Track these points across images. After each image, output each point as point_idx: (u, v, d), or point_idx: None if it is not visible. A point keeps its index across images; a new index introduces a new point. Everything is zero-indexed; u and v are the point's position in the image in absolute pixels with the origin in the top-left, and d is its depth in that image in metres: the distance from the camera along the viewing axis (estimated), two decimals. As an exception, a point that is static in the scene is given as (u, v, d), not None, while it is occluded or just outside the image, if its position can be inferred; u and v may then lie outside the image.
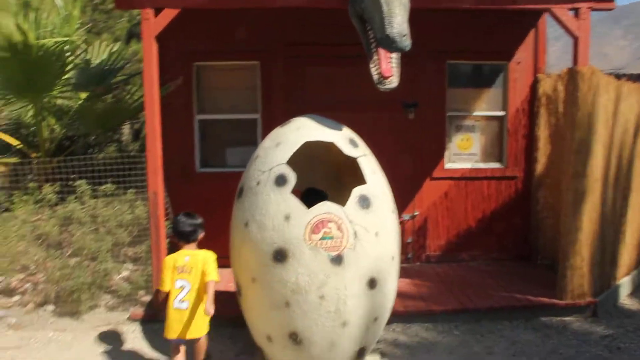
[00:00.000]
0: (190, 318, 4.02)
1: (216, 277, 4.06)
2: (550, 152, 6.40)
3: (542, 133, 6.45)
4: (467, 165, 6.66)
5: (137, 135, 9.76)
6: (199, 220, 4.32)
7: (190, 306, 4.02)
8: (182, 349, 4.10)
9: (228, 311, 5.03)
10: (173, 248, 5.65)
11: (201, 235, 4.32)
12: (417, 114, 6.49)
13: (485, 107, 6.69)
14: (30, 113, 6.90)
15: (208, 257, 4.14)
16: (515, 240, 6.70)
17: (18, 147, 6.75)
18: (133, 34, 12.10)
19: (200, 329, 4.07)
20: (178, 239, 4.26)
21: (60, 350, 4.66)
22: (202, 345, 4.16)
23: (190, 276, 4.05)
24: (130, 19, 11.68)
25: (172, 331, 4.02)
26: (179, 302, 4.01)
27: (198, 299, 4.04)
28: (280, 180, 3.85)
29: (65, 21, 6.64)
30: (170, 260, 4.15)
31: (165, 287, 4.06)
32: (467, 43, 6.50)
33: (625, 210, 5.96)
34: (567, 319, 5.20)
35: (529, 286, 5.68)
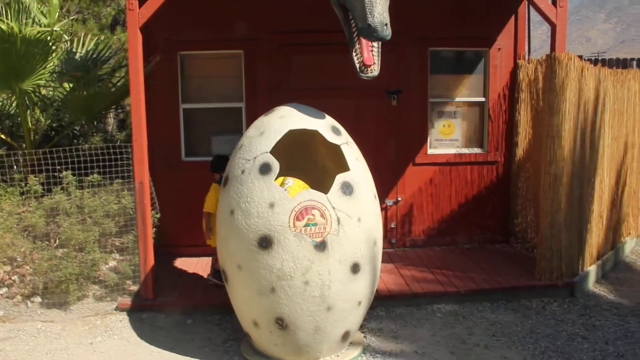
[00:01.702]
0: None
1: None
2: (531, 137, 6.53)
3: (522, 118, 6.57)
4: (449, 151, 6.77)
5: (123, 125, 9.76)
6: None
7: None
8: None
9: (216, 299, 5.15)
10: (160, 237, 5.74)
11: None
12: (400, 101, 6.58)
13: (467, 93, 6.79)
14: (15, 104, 6.88)
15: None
16: (496, 223, 6.84)
17: (2, 138, 6.74)
18: (118, 22, 12.05)
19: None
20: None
21: (49, 340, 4.71)
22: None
23: None
24: (116, 6, 11.63)
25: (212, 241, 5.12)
26: None
27: None
28: (265, 169, 3.93)
29: (47, 11, 6.62)
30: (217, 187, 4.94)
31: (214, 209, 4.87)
32: (448, 30, 6.58)
33: (603, 193, 6.11)
34: (545, 299, 5.35)
35: (509, 269, 5.83)
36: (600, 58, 9.25)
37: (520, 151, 6.61)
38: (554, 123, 5.23)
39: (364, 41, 4.21)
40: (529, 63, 6.52)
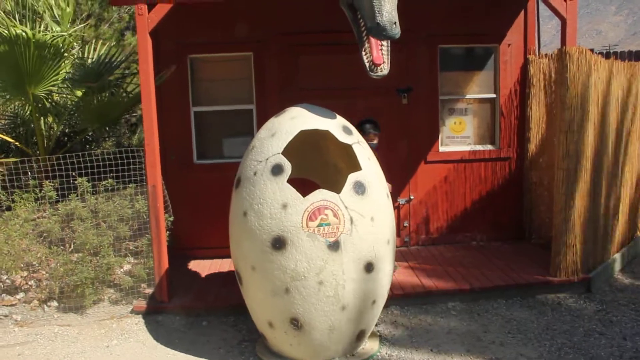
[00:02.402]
0: None
1: None
2: (544, 133, 6.49)
3: (534, 114, 6.53)
4: (460, 148, 6.74)
5: (135, 129, 9.82)
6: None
7: None
8: None
9: (230, 300, 5.16)
10: (173, 239, 5.77)
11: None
12: (410, 99, 6.56)
13: (477, 89, 6.76)
14: (29, 111, 6.95)
15: None
16: (510, 220, 6.80)
17: (16, 145, 6.81)
18: (128, 27, 12.13)
19: None
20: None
21: (66, 344, 4.75)
22: None
23: None
24: (128, 11, 11.69)
25: None
26: None
27: None
28: (277, 170, 3.94)
29: (60, 17, 6.68)
30: None
31: None
32: (458, 27, 6.55)
33: (617, 187, 6.06)
34: (561, 295, 5.32)
35: (524, 265, 5.79)
36: (612, 51, 9.17)
37: (532, 147, 6.57)
38: (566, 118, 5.20)
39: (373, 40, 4.21)
40: (539, 58, 6.48)
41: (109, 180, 5.53)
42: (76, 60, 7.15)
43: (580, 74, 5.18)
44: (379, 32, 4.05)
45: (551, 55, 6.29)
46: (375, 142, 5.34)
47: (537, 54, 6.64)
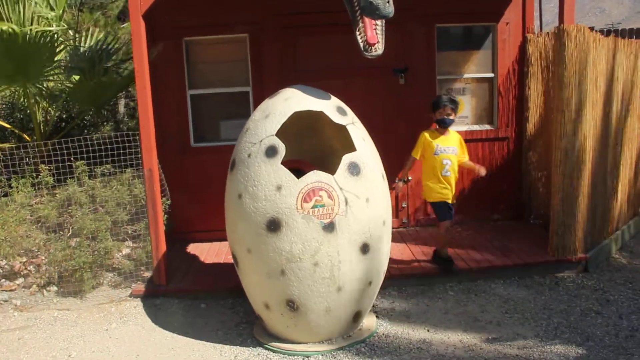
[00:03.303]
0: None
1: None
2: (542, 112, 6.44)
3: (533, 93, 6.47)
4: (459, 128, 6.68)
5: (134, 114, 9.79)
6: None
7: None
8: None
9: (228, 283, 5.18)
10: (171, 223, 5.77)
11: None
12: (407, 79, 6.51)
13: (475, 69, 6.70)
14: (22, 98, 6.93)
15: None
16: (509, 200, 6.78)
17: (13, 131, 6.80)
18: (126, 14, 12.03)
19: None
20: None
21: (65, 328, 4.78)
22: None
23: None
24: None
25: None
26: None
27: None
28: (271, 152, 3.92)
29: (55, 4, 6.62)
30: None
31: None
32: (455, 5, 6.46)
33: (617, 167, 6.03)
34: (559, 275, 5.31)
35: (522, 245, 5.79)
36: (614, 29, 9.08)
37: (530, 126, 6.53)
38: (564, 97, 5.15)
39: (367, 20, 4.16)
40: (538, 37, 6.41)
41: (107, 165, 5.52)
42: (70, 47, 7.09)
43: (579, 52, 5.12)
44: (372, 11, 4.01)
45: (547, 33, 6.21)
46: (452, 117, 5.26)
47: (537, 32, 6.57)
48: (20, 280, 5.33)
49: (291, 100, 4.13)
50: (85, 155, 5.50)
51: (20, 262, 5.36)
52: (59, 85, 7.12)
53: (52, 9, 6.68)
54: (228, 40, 6.54)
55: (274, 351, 4.17)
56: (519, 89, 6.64)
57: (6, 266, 5.35)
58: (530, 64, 6.45)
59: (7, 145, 6.27)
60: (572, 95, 5.14)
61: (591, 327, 4.32)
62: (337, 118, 4.12)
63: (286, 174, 3.87)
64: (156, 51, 5.98)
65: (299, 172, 4.06)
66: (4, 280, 5.31)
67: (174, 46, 6.31)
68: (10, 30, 5.56)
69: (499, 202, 6.79)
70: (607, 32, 7.68)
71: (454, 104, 5.29)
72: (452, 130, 5.42)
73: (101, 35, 7.54)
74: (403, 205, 6.69)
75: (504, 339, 4.23)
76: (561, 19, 5.22)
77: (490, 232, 6.39)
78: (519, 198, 6.77)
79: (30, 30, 5.72)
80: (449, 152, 5.25)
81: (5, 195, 5.52)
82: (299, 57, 6.44)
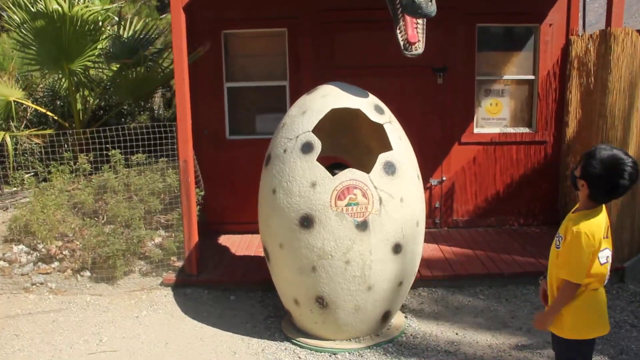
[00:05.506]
0: None
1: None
2: (581, 117, 6.29)
3: (574, 97, 6.32)
4: (496, 130, 6.60)
5: (169, 104, 9.91)
6: None
7: None
8: None
9: (258, 276, 5.21)
10: (204, 214, 5.82)
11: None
12: (446, 79, 6.44)
13: (515, 70, 6.58)
14: (65, 85, 7.06)
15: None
16: (544, 205, 6.65)
17: (54, 118, 6.95)
18: (166, 4, 12.18)
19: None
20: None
21: (97, 313, 4.88)
22: None
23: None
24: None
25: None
26: None
27: None
28: (306, 148, 3.91)
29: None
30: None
31: None
32: (497, 5, 6.36)
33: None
34: (594, 284, 5.19)
35: (557, 251, 5.66)
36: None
37: (570, 131, 6.38)
38: (607, 102, 5.02)
39: (408, 18, 4.12)
40: (581, 39, 6.26)
41: (139, 155, 5.59)
42: (112, 35, 7.21)
43: (625, 57, 4.98)
44: (415, 9, 3.96)
45: (590, 36, 6.05)
46: None
47: (580, 34, 6.41)
48: (55, 264, 5.44)
49: (329, 97, 4.11)
50: (122, 145, 5.57)
51: (57, 247, 5.48)
52: (100, 72, 7.24)
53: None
54: (266, 34, 6.55)
55: (301, 346, 4.18)
56: (559, 93, 6.49)
57: (43, 249, 5.47)
58: (573, 67, 6.29)
59: (48, 132, 6.41)
60: (617, 100, 5.00)
61: (625, 340, 4.20)
62: (374, 116, 4.09)
63: (321, 171, 3.86)
64: (203, 50, 6.03)
65: (336, 167, 4.06)
66: (40, 263, 5.43)
67: (213, 39, 6.34)
68: (59, 10, 5.67)
69: (535, 207, 6.67)
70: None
71: None
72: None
73: (139, 25, 7.64)
74: (436, 206, 6.63)
75: (533, 346, 4.15)
76: (608, 22, 5.08)
77: (524, 236, 6.28)
78: (556, 203, 6.63)
79: (78, 11, 5.81)
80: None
81: (45, 180, 5.64)
82: (336, 53, 6.41)
